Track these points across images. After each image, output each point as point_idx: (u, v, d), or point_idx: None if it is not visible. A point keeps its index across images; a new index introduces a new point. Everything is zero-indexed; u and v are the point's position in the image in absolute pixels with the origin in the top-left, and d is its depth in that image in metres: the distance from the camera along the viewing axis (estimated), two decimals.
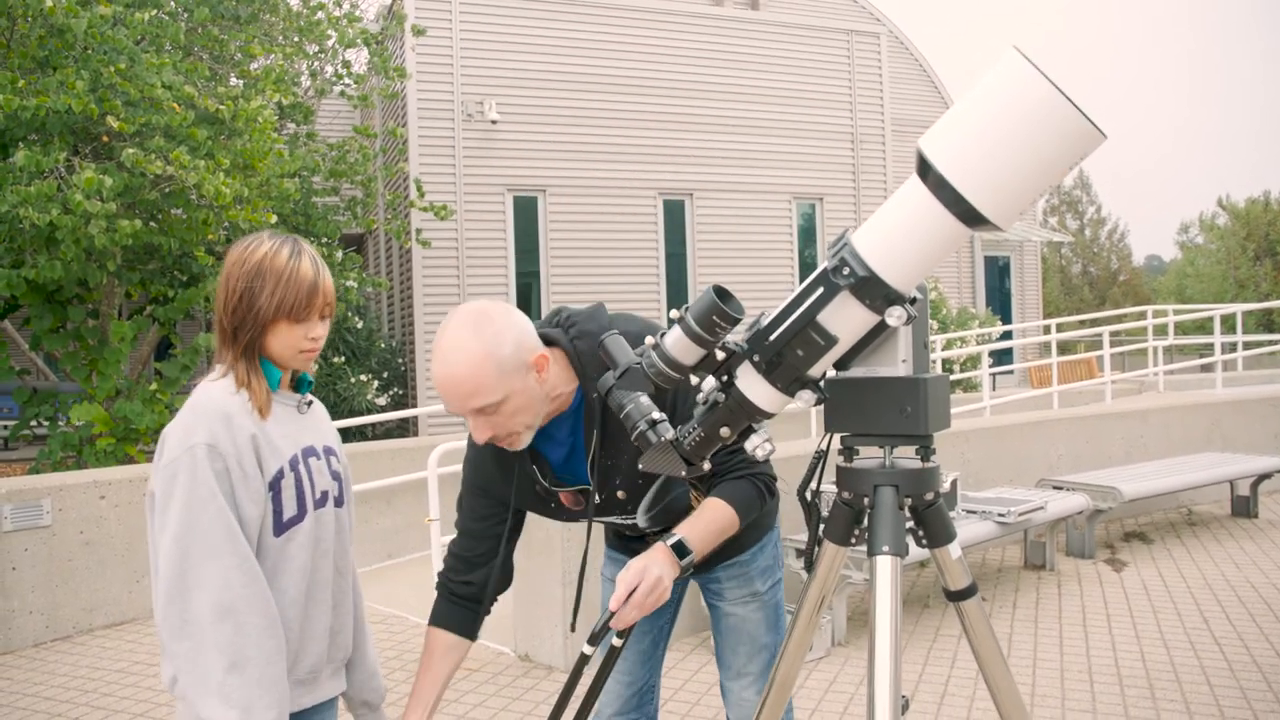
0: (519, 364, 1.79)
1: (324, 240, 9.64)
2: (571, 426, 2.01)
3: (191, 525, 1.63)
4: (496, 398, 1.77)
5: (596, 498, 2.03)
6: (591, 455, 1.97)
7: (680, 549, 1.82)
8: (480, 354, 1.75)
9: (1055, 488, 6.13)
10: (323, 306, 1.79)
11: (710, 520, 1.91)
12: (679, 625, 2.61)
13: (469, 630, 2.05)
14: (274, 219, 7.50)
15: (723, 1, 14.30)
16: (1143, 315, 22.94)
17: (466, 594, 2.05)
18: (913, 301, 1.46)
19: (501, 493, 2.05)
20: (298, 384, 1.89)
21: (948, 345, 12.71)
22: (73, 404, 7.57)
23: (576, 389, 1.96)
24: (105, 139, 7.13)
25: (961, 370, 13.08)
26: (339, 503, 1.87)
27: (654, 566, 1.78)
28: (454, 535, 2.12)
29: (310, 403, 1.89)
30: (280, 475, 1.74)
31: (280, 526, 1.74)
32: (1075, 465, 7.07)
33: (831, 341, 1.43)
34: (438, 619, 2.04)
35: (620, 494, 2.04)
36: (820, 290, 1.41)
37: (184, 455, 1.66)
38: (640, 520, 1.98)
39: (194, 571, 1.63)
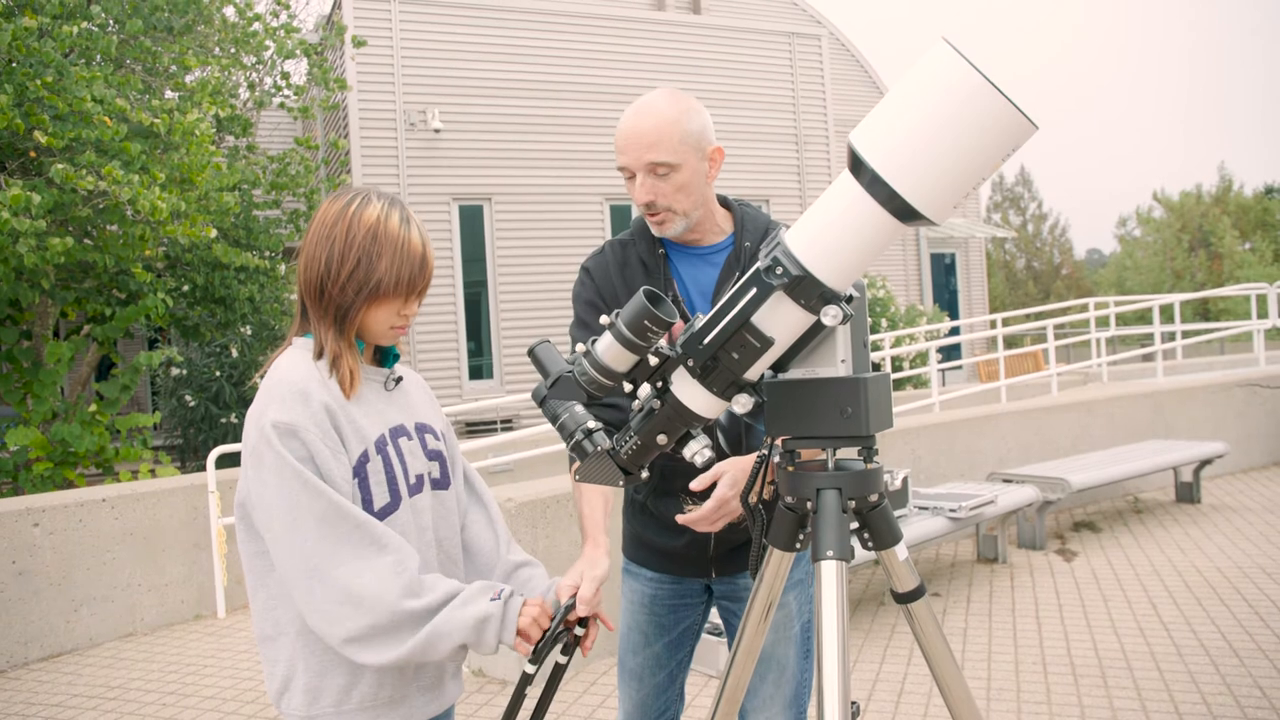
0: (700, 143, 1.95)
1: (266, 253, 9.47)
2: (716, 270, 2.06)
3: (294, 499, 1.48)
4: (672, 159, 1.91)
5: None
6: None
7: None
8: (671, 116, 1.92)
9: (1005, 481, 6.19)
10: (425, 282, 1.64)
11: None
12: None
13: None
14: (213, 233, 7.34)
15: (664, 6, 14.32)
16: (1085, 308, 23.42)
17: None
18: (849, 300, 1.43)
19: (615, 303, 2.04)
20: (383, 357, 1.72)
21: (897, 343, 12.82)
22: (7, 429, 7.35)
23: (729, 236, 2.09)
24: (33, 154, 6.93)
25: (911, 367, 13.19)
26: (439, 484, 1.72)
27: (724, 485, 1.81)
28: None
29: (399, 379, 1.73)
30: (365, 459, 1.57)
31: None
32: (1024, 458, 7.16)
33: (767, 343, 1.40)
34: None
35: None
36: (753, 291, 1.38)
37: (259, 440, 1.51)
38: None
39: (322, 550, 1.47)
